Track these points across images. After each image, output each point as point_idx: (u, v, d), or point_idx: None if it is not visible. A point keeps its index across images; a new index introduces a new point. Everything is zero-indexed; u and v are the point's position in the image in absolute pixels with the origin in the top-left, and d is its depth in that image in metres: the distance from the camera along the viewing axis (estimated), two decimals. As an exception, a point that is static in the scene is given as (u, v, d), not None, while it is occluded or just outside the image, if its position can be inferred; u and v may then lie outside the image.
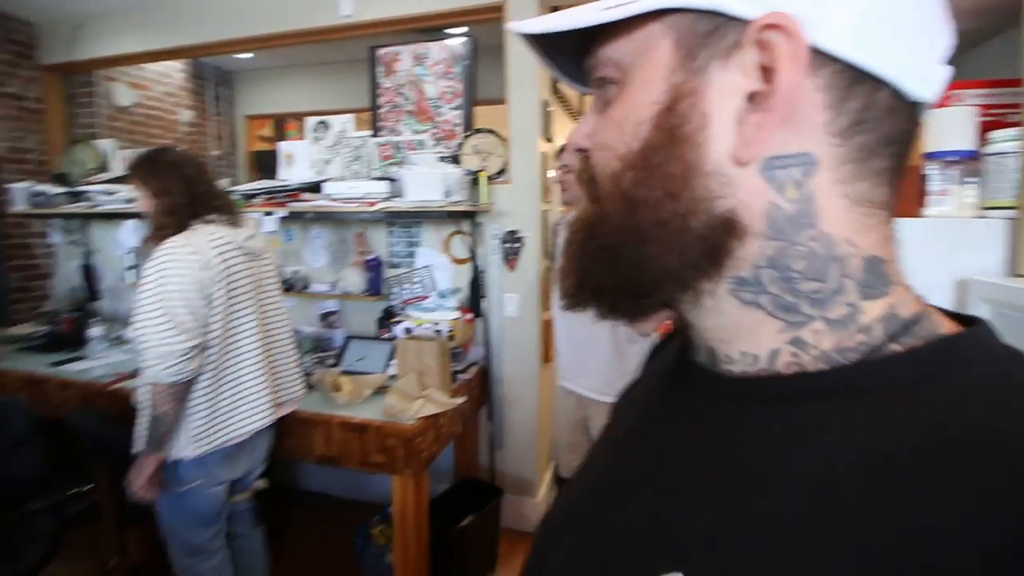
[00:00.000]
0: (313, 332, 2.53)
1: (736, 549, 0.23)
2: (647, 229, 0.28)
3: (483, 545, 2.12)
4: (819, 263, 0.26)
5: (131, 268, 2.76)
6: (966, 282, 0.98)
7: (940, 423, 0.22)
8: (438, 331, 2.15)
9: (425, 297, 2.40)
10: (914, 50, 0.26)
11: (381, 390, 1.95)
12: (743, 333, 0.29)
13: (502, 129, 2.25)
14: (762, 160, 0.26)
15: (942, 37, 0.27)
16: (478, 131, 2.27)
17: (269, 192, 2.28)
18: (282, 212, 2.20)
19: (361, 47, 2.53)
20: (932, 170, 1.07)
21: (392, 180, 2.17)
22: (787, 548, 0.22)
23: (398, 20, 2.32)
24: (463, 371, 2.19)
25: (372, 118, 2.52)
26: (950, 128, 1.05)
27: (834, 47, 0.25)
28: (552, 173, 2.45)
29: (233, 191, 2.23)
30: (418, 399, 1.82)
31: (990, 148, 1.00)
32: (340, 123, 2.44)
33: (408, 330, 2.16)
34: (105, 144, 2.91)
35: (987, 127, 1.05)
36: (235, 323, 1.45)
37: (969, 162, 1.04)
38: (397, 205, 2.07)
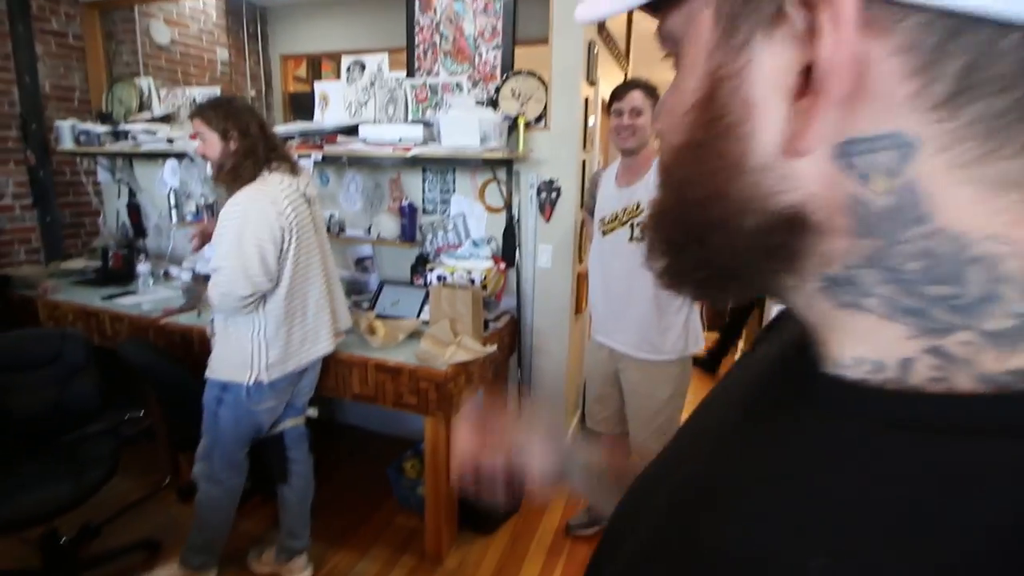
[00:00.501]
0: (349, 276, 2.57)
1: None
2: (700, 229, 0.26)
3: (509, 486, 2.20)
4: (946, 264, 0.21)
5: (174, 208, 2.83)
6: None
7: None
8: (471, 280, 2.16)
9: (459, 245, 2.39)
10: None
11: (414, 335, 1.99)
12: (852, 336, 0.24)
13: (543, 72, 2.15)
14: (835, 147, 0.22)
15: None
16: (517, 73, 2.18)
17: (305, 135, 2.27)
18: (317, 155, 2.19)
19: (397, -20, 2.42)
20: None
21: (428, 124, 2.12)
22: None
23: (436, -49, 2.20)
24: (495, 320, 2.21)
25: (408, 58, 2.44)
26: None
27: None
28: (593, 121, 2.35)
29: (270, 132, 2.23)
30: (450, 346, 1.86)
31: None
32: (375, 63, 2.38)
33: (441, 278, 2.18)
34: (145, 82, 2.92)
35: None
36: (305, 265, 1.58)
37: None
38: (432, 151, 2.03)
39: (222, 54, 3.74)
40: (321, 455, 2.43)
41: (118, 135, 2.70)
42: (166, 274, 2.68)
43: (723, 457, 0.29)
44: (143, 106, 2.90)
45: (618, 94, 1.75)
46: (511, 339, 2.34)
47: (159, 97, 2.90)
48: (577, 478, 0.56)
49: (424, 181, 2.42)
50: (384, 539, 2.04)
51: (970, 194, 0.21)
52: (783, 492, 0.24)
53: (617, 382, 1.90)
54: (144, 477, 2.33)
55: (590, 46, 2.16)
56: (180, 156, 2.66)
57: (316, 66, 4.40)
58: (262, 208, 1.45)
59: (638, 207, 1.73)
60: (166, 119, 2.79)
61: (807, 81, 0.21)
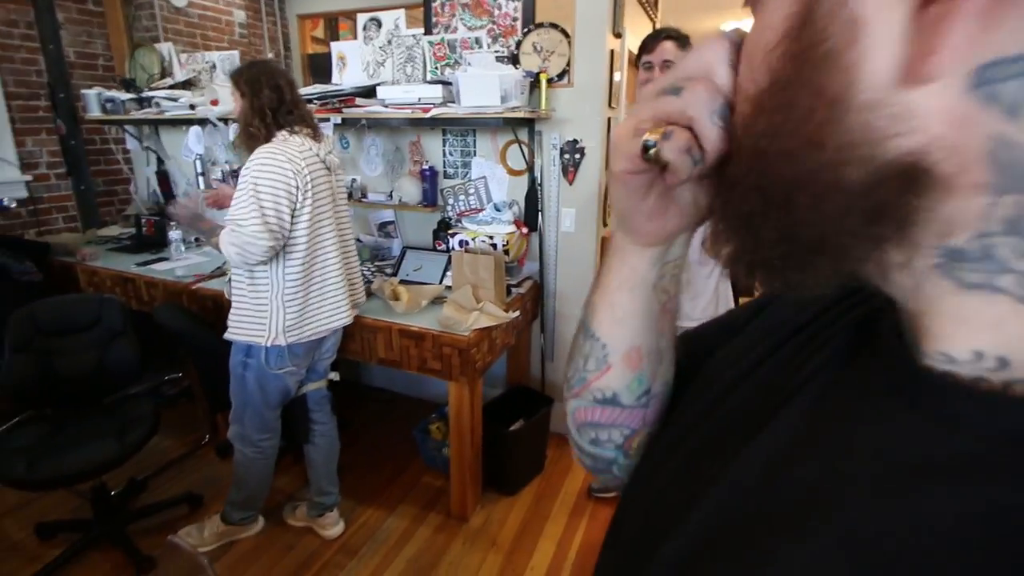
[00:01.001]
0: (371, 241, 2.58)
1: None
2: (786, 189, 0.21)
3: (533, 448, 2.23)
4: None
5: (200, 175, 2.86)
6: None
7: None
8: (493, 245, 2.13)
9: (480, 210, 2.36)
10: None
11: (437, 300, 1.99)
12: (974, 325, 0.20)
13: (566, 24, 2.05)
14: (972, 73, 0.17)
15: None
16: (539, 26, 2.08)
17: (323, 97, 2.23)
18: (336, 118, 2.16)
19: (413, -70, 2.31)
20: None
21: (446, 83, 2.06)
22: None
23: None
24: (517, 285, 2.19)
25: (425, 14, 2.35)
26: None
27: None
28: (619, 76, 2.24)
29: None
30: (473, 311, 1.85)
31: None
32: (391, 20, 2.30)
33: (463, 243, 2.16)
34: (166, 48, 2.91)
35: None
36: (318, 229, 1.58)
37: None
38: (452, 111, 1.98)
39: (239, 16, 3.68)
40: (349, 417, 2.51)
41: (142, 102, 2.72)
42: (197, 240, 2.74)
43: (786, 462, 0.24)
44: (164, 72, 2.90)
45: (647, 46, 1.65)
46: (534, 305, 2.32)
47: (180, 62, 2.89)
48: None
49: (444, 144, 2.37)
50: (411, 497, 2.11)
51: None
52: (875, 517, 0.19)
53: None
54: (185, 435, 2.45)
55: (616, -6, 2.03)
56: (203, 122, 2.66)
57: (334, 26, 4.30)
58: (277, 163, 1.46)
59: None
60: (187, 84, 2.79)
61: None
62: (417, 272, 2.26)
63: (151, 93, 2.70)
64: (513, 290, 2.14)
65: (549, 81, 2.06)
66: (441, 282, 2.16)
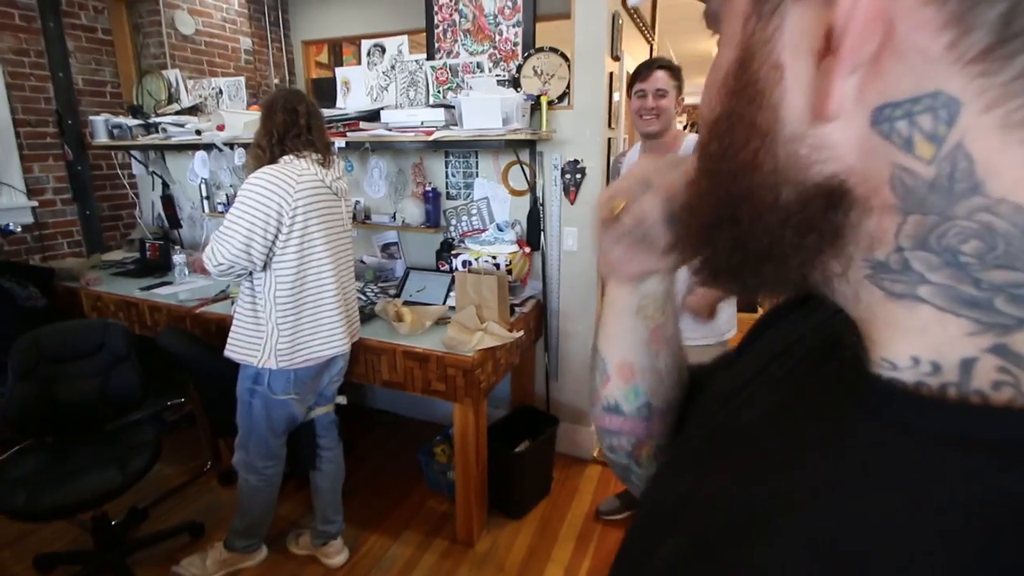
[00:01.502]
0: (375, 262, 2.59)
1: None
2: (732, 204, 0.25)
3: (539, 469, 2.20)
4: (1007, 244, 0.19)
5: (205, 198, 2.89)
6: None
7: None
8: (496, 264, 2.13)
9: (483, 230, 2.37)
10: None
11: (441, 321, 1.99)
12: (907, 333, 0.22)
13: (566, 48, 2.08)
14: (873, 112, 0.20)
15: None
16: (539, 50, 2.11)
17: (328, 121, 2.26)
18: (341, 142, 2.18)
19: (415, -41, 2.37)
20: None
21: (449, 107, 2.09)
22: None
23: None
24: (520, 304, 2.19)
25: (427, 39, 2.40)
26: None
27: None
28: (617, 97, 2.27)
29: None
30: (477, 332, 1.85)
31: None
32: (395, 46, 2.35)
33: (467, 263, 2.16)
34: (173, 74, 2.96)
35: None
36: (311, 254, 1.57)
37: None
38: (454, 134, 2.00)
39: (245, 42, 3.75)
40: (353, 439, 2.48)
41: (149, 128, 2.76)
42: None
43: (763, 467, 0.26)
44: (171, 98, 2.94)
45: (640, 74, 1.68)
46: (537, 323, 2.32)
47: (186, 88, 2.93)
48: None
49: (447, 165, 2.39)
50: (416, 523, 2.08)
51: None
52: (839, 520, 0.21)
53: None
54: (186, 462, 2.42)
55: (614, 18, 2.07)
56: (209, 147, 2.70)
57: (337, 51, 4.39)
58: (268, 186, 1.47)
59: None
60: (193, 110, 2.83)
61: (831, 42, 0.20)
62: (420, 293, 2.26)
63: (158, 119, 2.73)
64: (516, 309, 2.14)
65: (550, 103, 2.08)
66: (444, 303, 2.16)
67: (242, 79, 2.88)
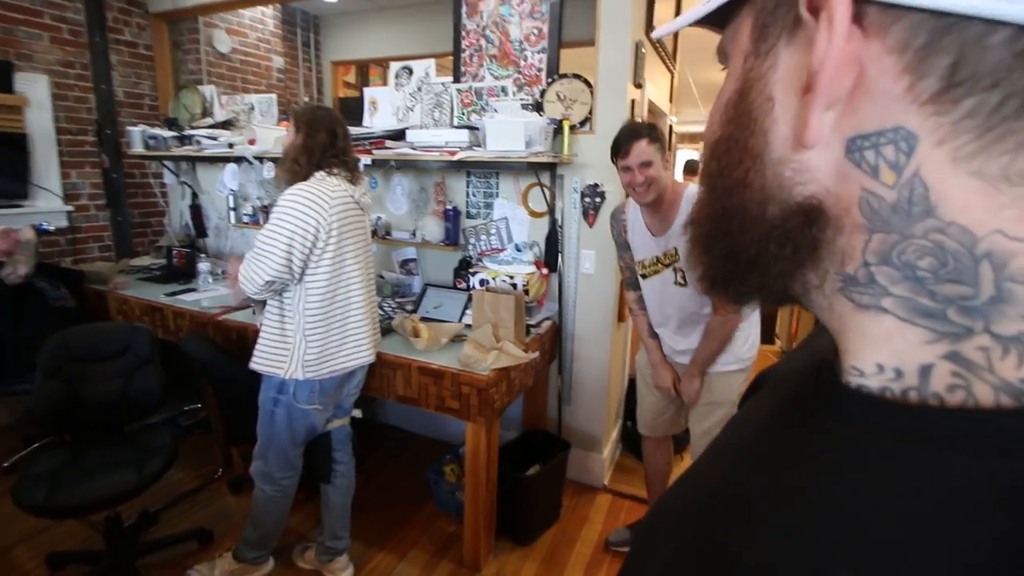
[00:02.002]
0: (394, 278, 2.62)
1: None
2: (726, 217, 0.28)
3: (549, 495, 2.17)
4: (957, 261, 0.21)
5: (232, 209, 2.96)
6: None
7: None
8: (513, 284, 2.15)
9: (501, 250, 2.39)
10: None
11: (457, 338, 2.00)
12: (873, 342, 0.24)
13: (589, 74, 2.12)
14: (846, 143, 0.23)
15: None
16: (563, 76, 2.16)
17: (354, 139, 2.32)
18: (366, 159, 2.24)
19: (446, -14, 2.45)
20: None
21: (473, 128, 2.13)
22: None
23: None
24: (536, 325, 2.19)
25: (454, 63, 2.46)
26: None
27: None
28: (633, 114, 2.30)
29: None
30: (492, 351, 1.85)
31: None
32: (422, 68, 2.41)
33: (484, 282, 2.18)
34: (208, 90, 3.07)
35: None
36: (343, 267, 1.61)
37: None
38: (478, 155, 2.04)
39: (278, 62, 3.89)
40: (363, 454, 2.48)
41: (183, 140, 2.85)
42: (224, 272, 2.81)
43: (749, 468, 0.29)
44: (206, 112, 3.05)
45: (621, 148, 1.58)
46: (552, 345, 2.31)
47: (220, 104, 3.04)
48: None
49: (468, 185, 2.43)
50: (423, 543, 2.06)
51: (974, 187, 0.21)
52: (808, 506, 0.23)
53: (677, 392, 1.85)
54: (198, 467, 2.44)
55: (637, 47, 2.11)
56: (239, 160, 2.78)
57: (364, 72, 4.52)
58: (306, 202, 1.51)
59: (676, 252, 1.68)
60: (226, 124, 2.92)
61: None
62: (437, 310, 2.28)
63: (192, 132, 2.83)
64: (532, 330, 2.14)
65: (572, 128, 2.12)
66: (461, 320, 2.17)
67: (274, 96, 2.98)
